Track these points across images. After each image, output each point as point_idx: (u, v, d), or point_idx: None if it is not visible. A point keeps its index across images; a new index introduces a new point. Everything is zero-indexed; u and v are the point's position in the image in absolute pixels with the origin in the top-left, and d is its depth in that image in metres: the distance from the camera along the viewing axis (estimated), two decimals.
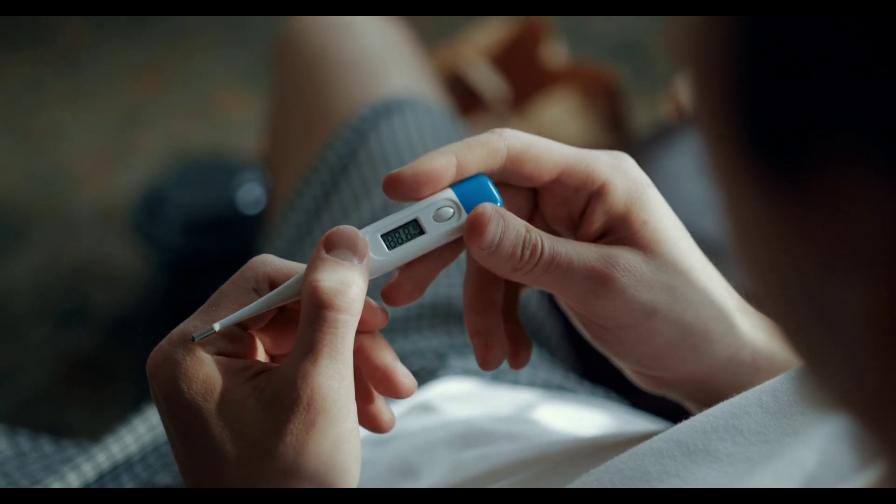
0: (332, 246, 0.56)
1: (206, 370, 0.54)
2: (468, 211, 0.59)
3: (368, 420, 0.59)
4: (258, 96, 2.01)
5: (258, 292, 0.57)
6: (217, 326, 0.55)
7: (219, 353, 0.55)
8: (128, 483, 0.86)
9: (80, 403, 1.69)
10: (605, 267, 0.57)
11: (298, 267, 0.58)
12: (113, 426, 0.92)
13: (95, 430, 1.58)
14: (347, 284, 0.55)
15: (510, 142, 0.59)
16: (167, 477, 0.84)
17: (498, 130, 0.60)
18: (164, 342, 0.56)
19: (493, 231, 0.57)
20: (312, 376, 0.53)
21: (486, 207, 0.58)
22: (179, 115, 2.10)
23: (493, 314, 0.62)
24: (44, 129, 2.08)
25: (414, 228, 0.59)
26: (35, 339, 1.76)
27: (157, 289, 1.77)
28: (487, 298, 0.62)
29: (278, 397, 0.53)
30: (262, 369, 0.55)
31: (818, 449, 0.51)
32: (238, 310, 0.56)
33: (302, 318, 0.54)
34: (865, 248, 0.30)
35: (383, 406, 0.60)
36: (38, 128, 2.09)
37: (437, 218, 0.59)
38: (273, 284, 0.57)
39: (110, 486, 0.86)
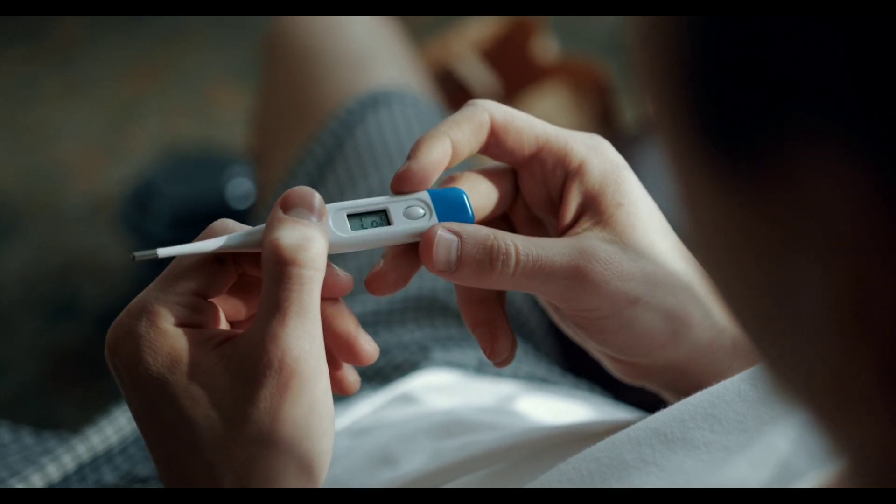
0: (289, 205, 0.55)
1: (170, 342, 0.53)
2: (439, 217, 0.58)
3: (335, 383, 0.59)
4: (250, 93, 2.01)
5: (219, 258, 0.56)
6: (160, 252, 0.54)
7: (181, 324, 0.54)
8: (108, 474, 0.85)
9: (70, 397, 1.68)
10: (584, 262, 0.57)
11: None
12: (97, 419, 0.92)
13: (83, 423, 1.57)
14: (309, 240, 0.53)
15: (493, 112, 0.59)
16: (147, 468, 0.84)
17: (478, 102, 0.60)
18: (122, 315, 0.55)
19: (442, 255, 0.57)
20: (282, 337, 0.52)
21: (433, 230, 0.57)
22: (172, 110, 2.10)
23: (491, 304, 0.61)
24: (37, 124, 2.08)
25: (381, 218, 0.58)
26: (25, 333, 1.75)
27: (147, 282, 1.76)
28: (483, 290, 0.62)
29: (248, 362, 0.52)
30: (228, 337, 0.54)
31: (791, 436, 0.51)
32: (200, 276, 0.55)
33: (265, 280, 0.53)
34: (828, 228, 0.29)
35: (348, 369, 0.59)
36: (32, 123, 2.08)
37: (407, 215, 0.58)
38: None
39: (90, 477, 0.85)
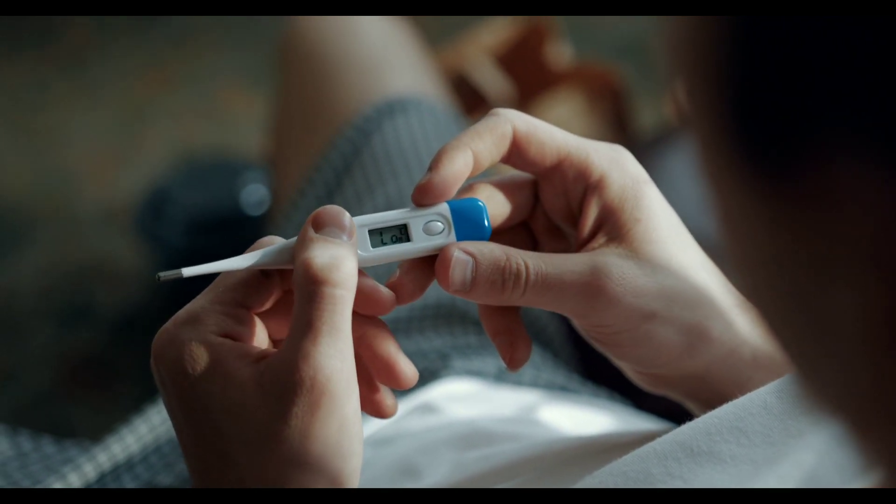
0: (320, 225, 0.55)
1: (210, 352, 0.54)
2: (457, 232, 0.59)
3: (372, 407, 0.59)
4: (263, 96, 2.01)
5: (264, 272, 0.57)
6: (184, 272, 0.55)
7: (223, 334, 0.55)
8: (129, 483, 0.86)
9: (84, 403, 1.68)
10: (596, 279, 0.57)
11: None
12: (116, 426, 0.92)
13: (99, 430, 1.57)
14: (340, 259, 0.54)
15: (515, 123, 0.59)
16: (168, 477, 0.84)
17: (501, 112, 0.60)
18: (169, 323, 0.56)
19: (458, 276, 0.57)
20: (314, 356, 0.52)
21: (450, 251, 0.58)
22: (184, 114, 2.10)
23: (511, 313, 0.61)
24: (48, 128, 2.08)
25: (401, 233, 0.59)
26: (39, 339, 1.76)
27: (161, 289, 1.77)
28: None
29: (280, 381, 0.53)
30: (265, 354, 0.55)
31: (820, 451, 0.50)
32: (245, 288, 0.56)
33: (297, 299, 0.54)
34: (861, 247, 0.29)
35: (386, 392, 0.59)
36: (43, 127, 2.09)
37: (427, 230, 0.59)
38: None
39: (112, 486, 0.86)
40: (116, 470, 0.87)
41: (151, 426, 0.90)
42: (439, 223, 0.59)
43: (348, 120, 1.08)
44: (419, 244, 0.59)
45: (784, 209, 0.30)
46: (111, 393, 1.69)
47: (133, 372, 1.71)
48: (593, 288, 0.57)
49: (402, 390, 0.59)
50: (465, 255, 0.58)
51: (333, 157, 1.06)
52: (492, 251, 0.58)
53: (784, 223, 0.30)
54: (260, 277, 0.57)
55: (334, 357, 0.53)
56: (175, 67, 2.19)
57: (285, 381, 0.53)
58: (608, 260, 0.58)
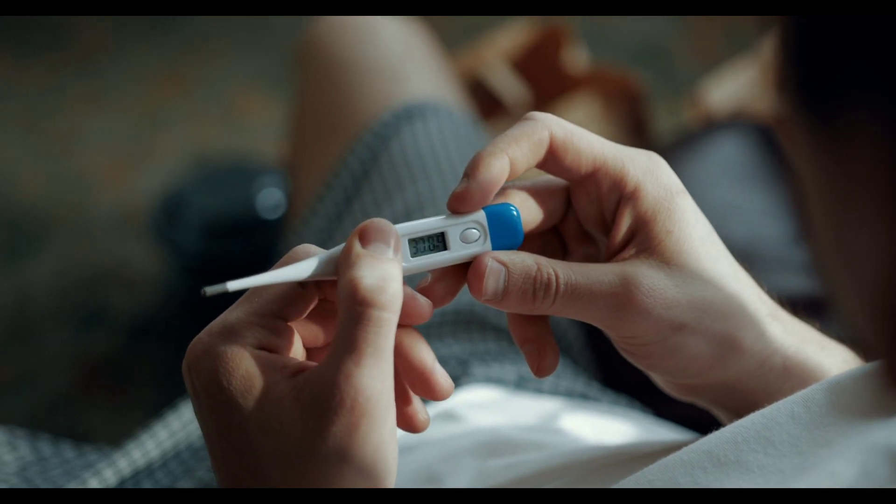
0: (367, 239, 0.55)
1: (246, 365, 0.53)
2: (493, 239, 0.59)
3: (404, 421, 0.58)
4: (279, 100, 2.01)
5: (301, 283, 0.56)
6: (230, 286, 0.54)
7: (260, 346, 0.54)
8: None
9: (99, 407, 1.69)
10: (626, 291, 0.57)
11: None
12: (132, 430, 0.92)
13: (114, 434, 1.58)
14: (388, 280, 0.53)
15: (553, 129, 0.59)
16: (189, 483, 0.84)
17: (538, 117, 0.59)
18: (203, 334, 0.55)
19: (491, 285, 0.57)
20: (356, 377, 0.52)
21: (484, 261, 0.58)
22: (199, 118, 2.10)
23: (540, 321, 0.61)
24: (64, 132, 2.09)
25: (439, 241, 0.59)
26: (54, 343, 1.76)
27: (176, 293, 1.77)
28: None
29: (320, 398, 0.52)
30: (302, 368, 0.54)
31: (856, 461, 0.50)
32: (281, 299, 0.55)
33: (341, 317, 0.53)
34: (874, 187, 0.37)
35: (419, 406, 0.59)
36: (58, 131, 2.09)
37: (463, 238, 0.59)
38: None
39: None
40: (136, 476, 0.87)
41: (171, 432, 0.90)
42: (475, 231, 0.59)
43: (367, 125, 1.08)
44: (456, 252, 0.59)
45: (824, 150, 0.39)
46: (126, 396, 1.70)
47: (148, 375, 1.71)
48: (623, 299, 0.57)
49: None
50: (497, 265, 0.57)
51: (352, 163, 1.06)
52: (523, 261, 0.58)
53: (824, 163, 0.39)
54: (297, 288, 0.56)
55: (376, 378, 0.52)
56: (190, 71, 2.19)
57: (325, 399, 0.52)
58: (639, 271, 0.58)
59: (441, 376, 0.57)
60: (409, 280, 0.62)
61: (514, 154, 0.58)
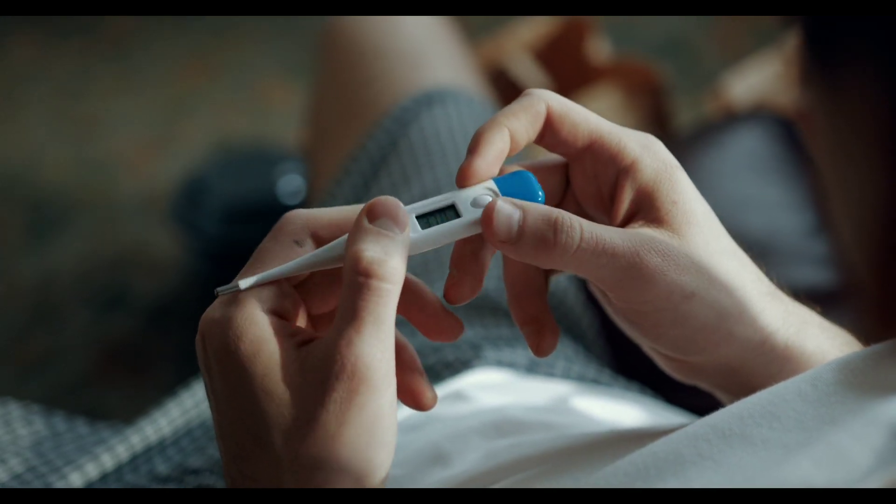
0: (375, 216, 0.56)
1: (256, 329, 0.55)
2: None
3: (412, 397, 0.60)
4: (302, 87, 2.02)
5: (299, 244, 0.58)
6: (241, 284, 0.56)
7: (270, 310, 0.56)
8: (160, 465, 0.86)
9: (119, 388, 1.70)
10: (643, 251, 0.58)
11: (335, 213, 0.59)
12: (150, 411, 0.93)
13: (133, 415, 1.59)
14: (390, 254, 0.55)
15: (549, 102, 0.60)
16: (199, 460, 0.85)
17: (534, 92, 0.60)
18: (214, 302, 0.56)
19: (503, 223, 0.58)
20: (356, 344, 0.53)
21: (494, 202, 0.58)
22: (224, 104, 2.11)
23: (539, 301, 0.62)
24: (90, 116, 2.10)
25: (450, 212, 0.59)
26: (76, 324, 1.77)
27: (197, 277, 1.78)
28: (531, 286, 0.63)
29: (322, 366, 0.54)
30: (309, 338, 0.56)
31: (860, 435, 0.50)
32: (280, 265, 0.57)
33: (344, 288, 0.55)
34: (868, 129, 0.42)
35: (426, 383, 0.60)
36: (85, 115, 2.10)
37: (475, 204, 0.59)
38: (314, 235, 0.58)
39: (143, 468, 0.86)
40: (148, 452, 0.88)
41: (184, 410, 0.91)
42: (487, 196, 0.59)
43: (386, 111, 1.08)
44: (469, 216, 0.59)
45: (829, 97, 0.45)
46: (146, 378, 1.71)
47: (167, 358, 1.72)
48: (639, 260, 0.58)
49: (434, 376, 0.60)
50: (510, 206, 0.58)
51: (371, 147, 1.06)
52: (540, 206, 0.58)
53: (829, 109, 0.45)
54: (298, 250, 0.58)
55: (375, 347, 0.54)
56: (216, 57, 2.20)
57: (327, 366, 0.53)
58: (652, 235, 0.58)
59: (450, 316, 0.60)
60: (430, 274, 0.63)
61: (513, 126, 0.59)
